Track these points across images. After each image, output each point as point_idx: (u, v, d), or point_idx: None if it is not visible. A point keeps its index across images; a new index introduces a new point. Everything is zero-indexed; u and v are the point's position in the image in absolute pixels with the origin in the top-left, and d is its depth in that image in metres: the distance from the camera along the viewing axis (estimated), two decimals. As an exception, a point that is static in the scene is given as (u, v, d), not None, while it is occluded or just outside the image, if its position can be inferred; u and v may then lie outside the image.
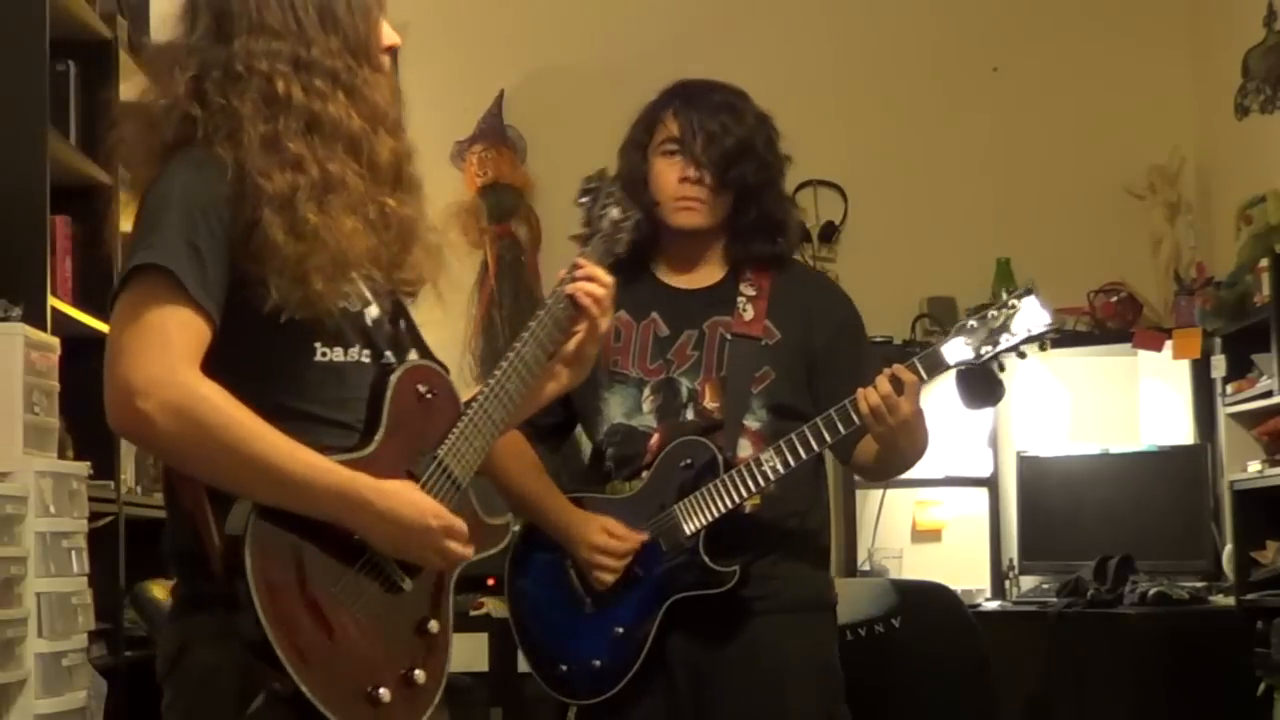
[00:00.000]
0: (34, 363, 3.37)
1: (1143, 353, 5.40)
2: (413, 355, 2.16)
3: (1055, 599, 5.05)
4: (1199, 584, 4.95)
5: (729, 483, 2.77)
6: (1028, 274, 5.61)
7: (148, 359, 1.87)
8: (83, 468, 3.54)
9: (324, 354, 2.02)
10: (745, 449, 2.84)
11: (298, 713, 1.88)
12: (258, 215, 1.93)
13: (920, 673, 2.96)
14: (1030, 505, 5.45)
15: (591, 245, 2.42)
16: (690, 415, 2.87)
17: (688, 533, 2.78)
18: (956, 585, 4.69)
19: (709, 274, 2.95)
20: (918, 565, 5.38)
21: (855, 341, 2.99)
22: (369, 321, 2.08)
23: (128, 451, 4.34)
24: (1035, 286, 2.74)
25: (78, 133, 4.11)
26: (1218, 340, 5.07)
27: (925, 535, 5.63)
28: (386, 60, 2.11)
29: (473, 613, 4.70)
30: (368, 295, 2.08)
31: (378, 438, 2.02)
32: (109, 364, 1.91)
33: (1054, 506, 5.40)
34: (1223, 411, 5.04)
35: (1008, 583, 5.44)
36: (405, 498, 1.98)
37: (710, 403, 2.87)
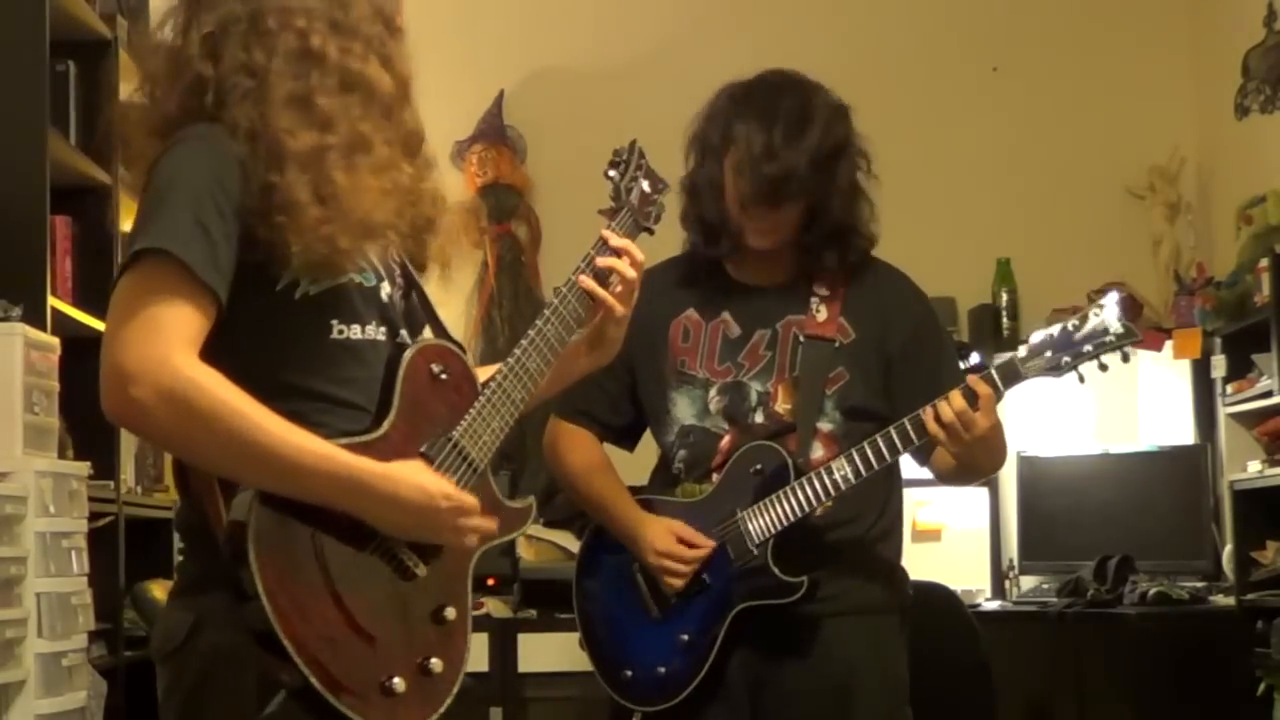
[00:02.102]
0: (34, 363, 3.37)
1: (1143, 353, 5.39)
2: (426, 333, 2.10)
3: (1055, 599, 5.05)
4: (1199, 584, 4.95)
5: (799, 490, 2.70)
6: (1028, 274, 5.68)
7: (142, 344, 1.80)
8: (83, 468, 3.54)
9: (340, 331, 1.96)
10: (817, 451, 2.78)
11: (311, 706, 1.83)
12: (276, 176, 1.87)
13: (920, 673, 2.94)
14: (1030, 505, 5.45)
15: (619, 220, 2.35)
16: (760, 418, 2.81)
17: (756, 540, 2.72)
18: (956, 585, 4.68)
19: (782, 271, 2.86)
20: (917, 565, 5.33)
21: (934, 341, 2.92)
22: (384, 298, 2.03)
23: (128, 451, 4.35)
24: (1115, 294, 2.67)
25: (78, 133, 4.11)
26: (1218, 340, 5.08)
27: (925, 535, 5.62)
28: None
29: (473, 613, 4.70)
30: (382, 271, 2.03)
31: (389, 420, 1.96)
32: (104, 351, 1.85)
33: (1054, 506, 5.40)
34: (1223, 411, 5.04)
35: (1008, 583, 5.43)
36: (410, 481, 1.91)
37: (782, 405, 2.80)
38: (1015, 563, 5.45)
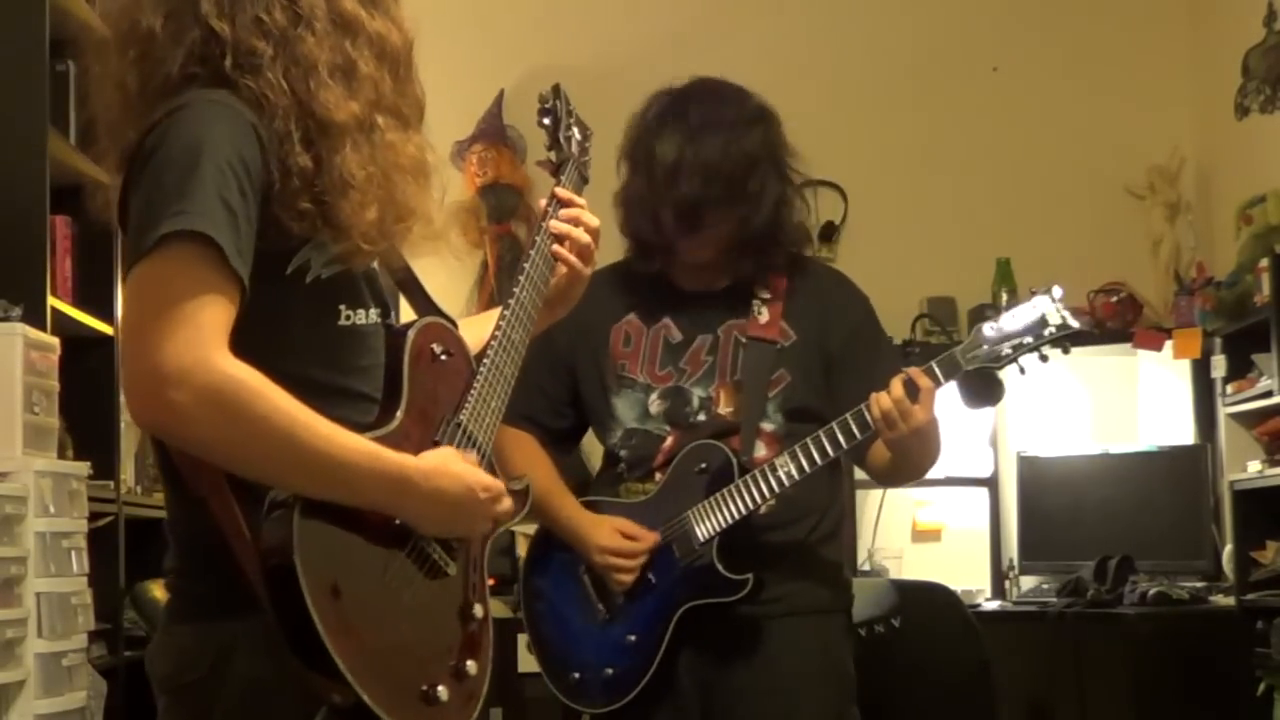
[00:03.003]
0: (34, 363, 3.36)
1: (1143, 353, 5.40)
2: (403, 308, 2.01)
3: (1055, 599, 5.05)
4: (1199, 584, 4.95)
5: (743, 488, 2.72)
6: (1028, 274, 5.67)
7: (179, 343, 1.63)
8: (83, 468, 3.54)
9: (348, 317, 1.84)
10: (760, 450, 2.80)
11: None
12: (306, 158, 1.74)
13: (920, 673, 2.95)
14: (1030, 505, 5.45)
15: (566, 175, 2.29)
16: (703, 419, 2.82)
17: (701, 539, 2.74)
18: (956, 585, 4.69)
19: (723, 275, 2.88)
20: (918, 565, 5.38)
21: (871, 342, 2.93)
22: (377, 277, 1.92)
23: (128, 451, 4.34)
24: (1058, 288, 2.66)
25: (78, 133, 4.11)
26: (1218, 340, 5.08)
27: (925, 535, 5.62)
28: None
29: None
30: None
31: (401, 410, 1.84)
32: (132, 349, 1.67)
33: (1054, 506, 5.40)
34: (1223, 411, 5.04)
35: (1008, 583, 5.43)
36: (450, 474, 1.81)
37: (724, 408, 2.82)
38: (1015, 563, 5.45)
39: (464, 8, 5.73)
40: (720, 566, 2.73)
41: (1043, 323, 2.64)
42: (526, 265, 2.13)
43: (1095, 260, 5.60)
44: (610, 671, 2.78)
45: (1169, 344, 5.24)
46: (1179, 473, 5.25)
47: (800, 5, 5.89)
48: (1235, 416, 4.95)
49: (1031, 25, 5.89)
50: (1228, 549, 4.91)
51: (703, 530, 2.74)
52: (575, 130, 2.38)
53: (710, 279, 2.89)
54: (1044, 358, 2.66)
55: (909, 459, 2.74)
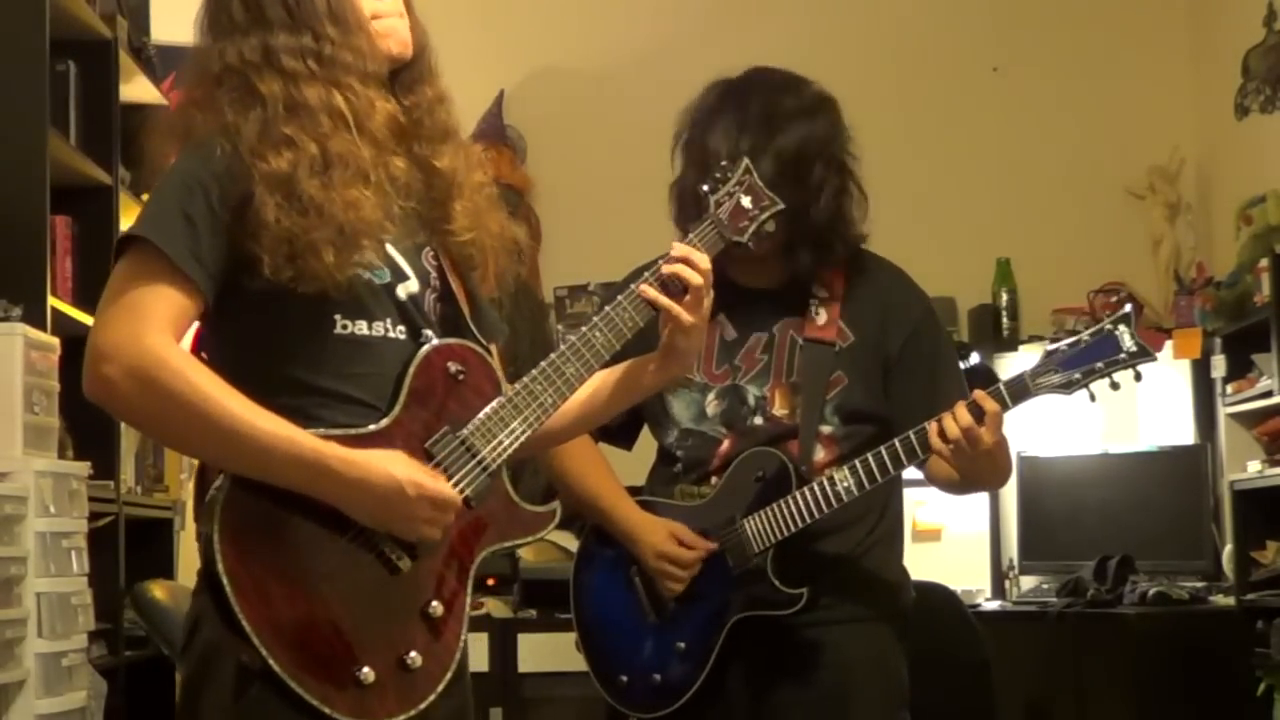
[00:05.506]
0: (34, 363, 3.37)
1: (1143, 353, 5.39)
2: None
3: (1055, 599, 5.05)
4: (1199, 584, 4.95)
5: (801, 501, 2.66)
6: (1028, 274, 5.68)
7: (116, 324, 1.89)
8: (83, 468, 3.54)
9: (344, 326, 1.97)
10: (819, 453, 2.74)
11: (282, 693, 1.84)
12: (251, 192, 1.91)
13: (920, 673, 2.94)
14: (1030, 505, 5.45)
15: (700, 231, 2.23)
16: (759, 422, 2.77)
17: (756, 550, 2.68)
18: (956, 585, 4.68)
19: (779, 272, 2.80)
20: (917, 565, 5.32)
21: (931, 342, 2.86)
22: (403, 296, 2.02)
23: (128, 451, 4.35)
24: (1132, 314, 2.58)
25: (78, 133, 4.11)
26: (1218, 340, 5.08)
27: (925, 535, 5.62)
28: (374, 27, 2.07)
29: (472, 613, 4.69)
30: (405, 269, 2.03)
31: (391, 415, 1.96)
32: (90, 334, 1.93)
33: (1054, 506, 5.40)
34: (1223, 411, 5.04)
35: (1008, 583, 5.44)
36: (378, 467, 1.90)
37: (779, 410, 2.77)
38: (1015, 563, 5.45)
39: (464, 8, 5.72)
40: (775, 580, 2.68)
41: (1116, 347, 2.56)
42: (609, 308, 2.13)
43: (1095, 260, 5.61)
44: (658, 678, 2.73)
45: (1169, 344, 5.24)
46: (1179, 473, 5.25)
47: (799, 6, 5.90)
48: (1235, 416, 4.95)
49: (1031, 25, 5.89)
50: (1228, 549, 4.91)
51: (758, 541, 2.69)
52: (744, 198, 2.30)
53: (767, 275, 2.81)
54: (1115, 384, 2.58)
55: (976, 478, 2.72)
